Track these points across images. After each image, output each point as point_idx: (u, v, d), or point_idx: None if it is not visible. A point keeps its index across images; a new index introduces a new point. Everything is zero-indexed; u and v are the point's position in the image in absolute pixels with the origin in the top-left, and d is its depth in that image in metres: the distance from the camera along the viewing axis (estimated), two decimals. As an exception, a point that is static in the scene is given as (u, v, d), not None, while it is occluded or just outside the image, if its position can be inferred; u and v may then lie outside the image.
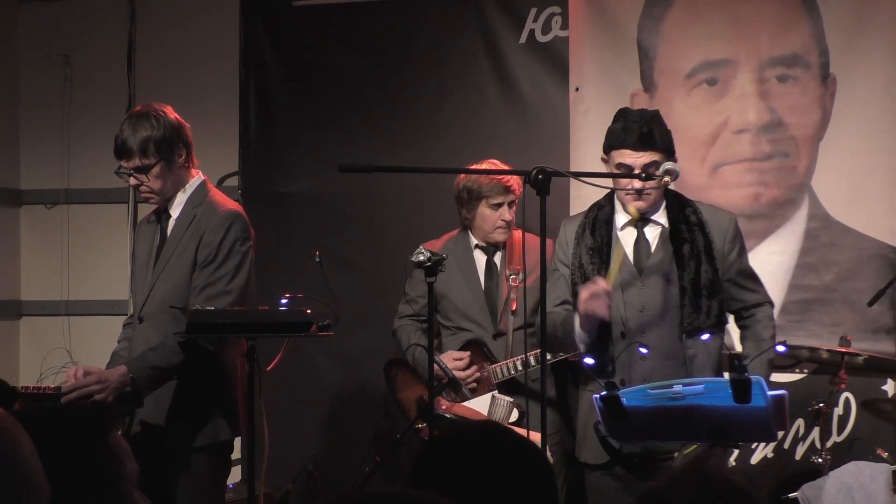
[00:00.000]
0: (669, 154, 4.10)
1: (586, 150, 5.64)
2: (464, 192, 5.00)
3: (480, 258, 5.05)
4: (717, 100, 5.44)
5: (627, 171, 4.05)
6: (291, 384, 5.84)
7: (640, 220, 4.17)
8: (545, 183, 3.72)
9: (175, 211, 4.14)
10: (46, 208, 6.60)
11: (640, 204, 4.11)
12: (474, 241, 5.05)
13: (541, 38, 5.83)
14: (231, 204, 4.20)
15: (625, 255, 4.16)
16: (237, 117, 6.24)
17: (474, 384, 4.88)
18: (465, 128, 5.94)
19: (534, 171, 3.73)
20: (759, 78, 5.44)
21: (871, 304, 5.08)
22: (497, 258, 5.02)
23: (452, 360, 4.87)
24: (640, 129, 4.04)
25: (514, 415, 4.83)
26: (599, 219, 4.21)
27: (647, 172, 4.01)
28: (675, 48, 5.58)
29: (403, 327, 5.14)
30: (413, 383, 5.05)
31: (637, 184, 4.04)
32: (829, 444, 4.91)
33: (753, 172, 5.45)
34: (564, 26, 5.76)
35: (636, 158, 4.04)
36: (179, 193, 4.15)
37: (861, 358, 4.79)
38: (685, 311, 4.07)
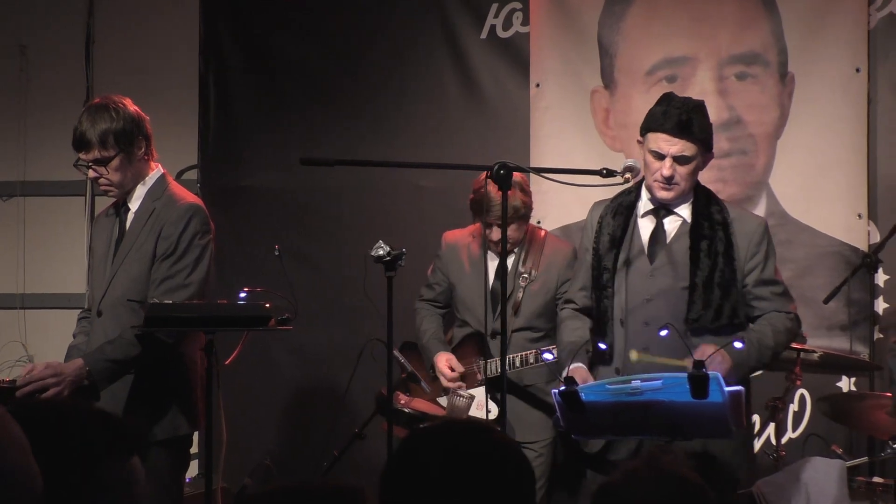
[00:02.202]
0: (707, 147, 4.01)
1: (546, 145, 5.67)
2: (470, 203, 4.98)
3: (494, 256, 5.03)
4: (677, 97, 5.47)
5: (658, 157, 3.97)
6: (250, 378, 5.83)
7: (663, 210, 4.08)
8: (507, 178, 3.74)
9: (134, 204, 4.11)
10: (2, 201, 6.53)
11: (665, 194, 4.00)
12: None
13: (502, 34, 5.85)
14: (191, 197, 4.18)
15: (640, 243, 4.08)
16: (196, 110, 6.21)
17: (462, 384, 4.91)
18: (426, 123, 5.95)
19: (495, 167, 3.75)
20: (719, 76, 5.49)
21: (826, 301, 5.13)
22: (510, 260, 4.97)
23: (445, 363, 4.89)
24: (679, 116, 3.94)
25: (475, 410, 4.84)
26: (623, 204, 4.12)
27: (679, 162, 3.95)
28: (636, 45, 5.62)
29: (419, 310, 5.16)
30: (420, 367, 5.06)
31: (667, 171, 3.94)
32: (784, 440, 4.96)
33: (712, 170, 5.41)
34: (525, 22, 5.78)
35: (670, 146, 3.94)
36: (139, 186, 4.11)
37: (816, 355, 4.83)
38: (693, 308, 3.95)
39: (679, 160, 3.97)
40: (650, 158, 4.00)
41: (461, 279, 5.04)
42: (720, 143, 5.46)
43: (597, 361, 4.03)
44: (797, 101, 5.41)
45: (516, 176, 4.75)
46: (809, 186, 5.39)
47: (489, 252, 4.95)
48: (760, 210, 5.44)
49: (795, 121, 5.42)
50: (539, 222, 5.60)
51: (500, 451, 2.02)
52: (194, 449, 4.59)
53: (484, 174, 4.67)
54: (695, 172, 4.02)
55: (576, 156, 5.52)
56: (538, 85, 5.74)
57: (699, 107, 4.03)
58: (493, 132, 5.82)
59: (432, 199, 5.84)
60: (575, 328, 4.18)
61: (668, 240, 4.07)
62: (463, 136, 5.84)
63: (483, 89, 5.88)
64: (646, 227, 4.10)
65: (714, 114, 5.45)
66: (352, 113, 6.03)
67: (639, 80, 5.59)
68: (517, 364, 4.78)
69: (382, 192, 5.90)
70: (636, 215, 4.11)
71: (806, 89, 5.39)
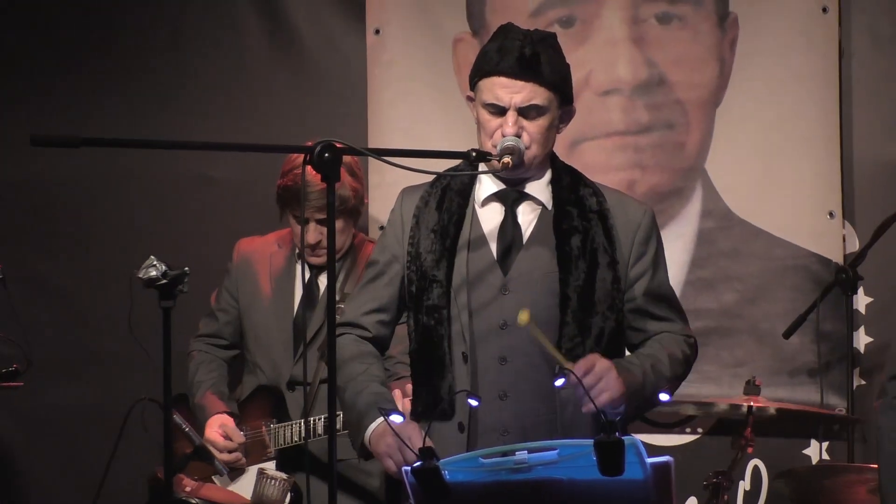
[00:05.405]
0: (563, 96, 3.95)
1: (390, 117, 5.66)
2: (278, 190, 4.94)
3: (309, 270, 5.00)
4: (575, 47, 5.47)
5: (497, 112, 3.88)
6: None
7: (513, 193, 3.99)
8: (334, 164, 3.68)
9: None
10: None
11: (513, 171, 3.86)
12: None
13: (324, -38, 5.86)
14: None
15: (484, 244, 3.98)
16: None
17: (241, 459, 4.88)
18: (220, 88, 5.98)
19: (318, 148, 3.67)
20: (633, 17, 5.52)
21: (787, 335, 5.19)
22: (322, 280, 4.92)
23: (217, 429, 4.85)
24: (521, 50, 3.89)
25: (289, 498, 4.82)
26: (452, 188, 4.04)
27: (527, 114, 3.86)
28: (516, -24, 5.64)
29: (193, 353, 5.13)
30: (181, 436, 4.94)
31: (510, 128, 3.83)
32: (732, 530, 5.02)
33: (626, 150, 5.52)
34: (357, -54, 5.80)
35: (512, 93, 3.87)
36: None
37: (773, 409, 4.88)
38: (565, 332, 3.89)
39: (526, 112, 3.90)
40: (486, 116, 3.92)
41: (255, 304, 5.02)
42: (637, 112, 5.53)
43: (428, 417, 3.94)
44: (742, 54, 5.47)
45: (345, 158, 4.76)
46: (762, 174, 5.45)
47: (298, 264, 4.94)
48: (695, 208, 5.49)
49: (740, 81, 5.48)
50: (381, 228, 5.57)
51: None
52: None
53: (299, 156, 4.66)
54: (550, 131, 3.96)
55: (432, 130, 5.53)
56: (378, 31, 5.74)
57: (549, 39, 3.98)
58: (316, 99, 5.85)
59: (226, 195, 5.82)
60: (368, 364, 4.02)
61: (526, 238, 4.00)
62: (271, 105, 5.87)
63: (300, 38, 5.92)
64: (490, 219, 4.00)
65: (628, 71, 5.54)
66: (116, 85, 6.04)
67: (521, 23, 5.54)
68: (320, 431, 4.74)
69: (156, 188, 5.89)
70: (473, 204, 4.03)
71: (754, 37, 5.45)
